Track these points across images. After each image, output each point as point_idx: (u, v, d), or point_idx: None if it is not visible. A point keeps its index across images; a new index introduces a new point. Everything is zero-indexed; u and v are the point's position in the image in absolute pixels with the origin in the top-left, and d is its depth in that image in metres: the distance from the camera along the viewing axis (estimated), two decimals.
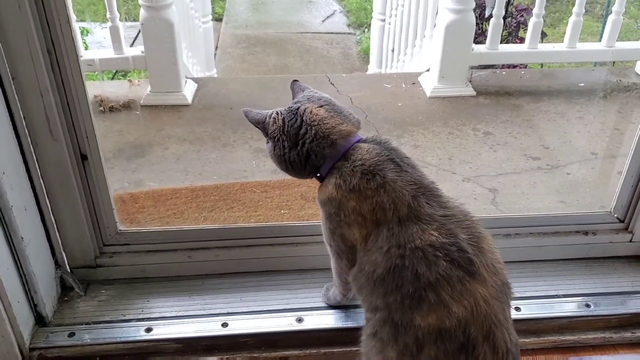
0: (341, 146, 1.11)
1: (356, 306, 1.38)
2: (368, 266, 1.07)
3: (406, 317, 1.01)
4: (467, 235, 1.03)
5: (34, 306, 1.32)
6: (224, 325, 1.35)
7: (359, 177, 1.07)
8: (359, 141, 1.13)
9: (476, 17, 3.47)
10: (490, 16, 3.45)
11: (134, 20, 3.49)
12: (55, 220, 1.36)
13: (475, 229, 1.05)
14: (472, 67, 3.55)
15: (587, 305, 1.42)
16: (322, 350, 1.35)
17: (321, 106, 1.13)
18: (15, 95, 1.18)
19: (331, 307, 1.39)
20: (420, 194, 1.06)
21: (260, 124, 1.16)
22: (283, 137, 1.13)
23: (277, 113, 1.15)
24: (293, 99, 1.20)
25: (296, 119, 1.12)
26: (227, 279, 1.48)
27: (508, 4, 3.89)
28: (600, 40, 3.63)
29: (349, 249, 1.13)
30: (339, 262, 1.20)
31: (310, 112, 1.12)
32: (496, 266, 1.04)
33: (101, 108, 3.13)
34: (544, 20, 3.50)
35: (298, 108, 1.13)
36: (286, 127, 1.12)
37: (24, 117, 1.22)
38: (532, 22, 3.45)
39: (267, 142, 1.17)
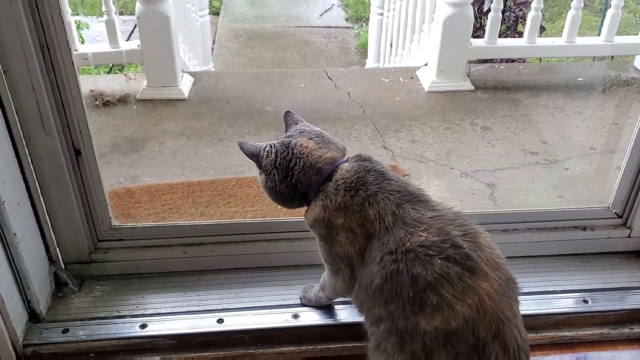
0: (325, 170, 1.14)
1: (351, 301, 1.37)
2: (366, 279, 1.07)
3: (410, 322, 0.99)
4: (460, 232, 1.02)
5: (27, 302, 1.31)
6: (220, 321, 1.35)
7: (342, 195, 1.09)
8: (341, 162, 1.15)
9: (474, 11, 3.46)
10: (489, 10, 3.43)
11: (131, 14, 3.47)
12: (48, 215, 1.35)
13: (469, 226, 1.04)
14: (470, 62, 3.55)
15: (585, 301, 1.41)
16: (319, 346, 1.34)
17: (310, 139, 1.17)
18: (7, 89, 1.17)
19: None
20: (405, 201, 1.07)
21: (255, 157, 1.19)
22: (274, 171, 1.16)
23: (270, 146, 1.18)
24: (286, 130, 1.24)
25: (288, 152, 1.16)
26: (223, 274, 1.47)
27: None
28: (599, 35, 3.62)
29: (346, 267, 1.14)
30: (336, 280, 1.20)
31: (300, 145, 1.16)
32: (497, 261, 1.02)
33: (97, 102, 3.11)
34: (543, 15, 3.49)
35: (290, 142, 1.17)
36: (278, 160, 1.16)
37: (17, 112, 1.20)
38: (530, 16, 3.44)
39: (260, 174, 1.20)
